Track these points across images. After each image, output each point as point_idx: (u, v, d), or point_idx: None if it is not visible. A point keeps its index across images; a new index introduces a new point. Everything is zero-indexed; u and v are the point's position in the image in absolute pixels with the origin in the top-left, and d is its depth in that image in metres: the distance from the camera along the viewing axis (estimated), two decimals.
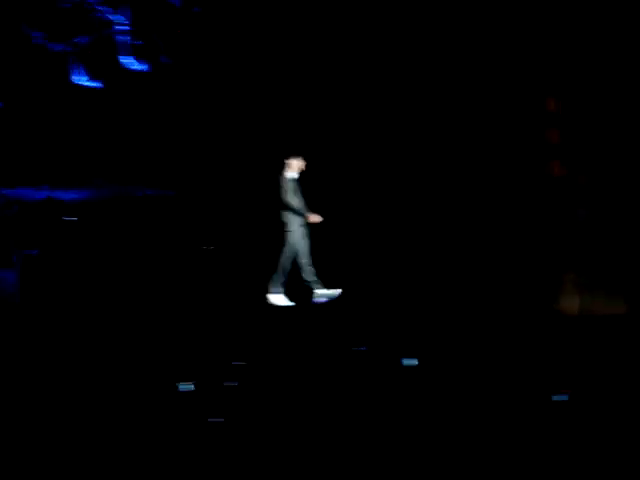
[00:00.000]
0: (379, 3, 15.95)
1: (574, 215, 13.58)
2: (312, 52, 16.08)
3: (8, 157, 15.98)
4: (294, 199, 12.89)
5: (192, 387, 9.69)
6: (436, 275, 13.91)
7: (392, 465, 7.95)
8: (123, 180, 16.31)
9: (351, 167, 15.54)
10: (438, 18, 15.38)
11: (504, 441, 8.28)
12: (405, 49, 15.64)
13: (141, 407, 9.26)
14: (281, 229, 12.97)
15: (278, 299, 12.86)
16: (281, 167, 13.03)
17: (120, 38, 16.46)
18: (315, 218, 12.87)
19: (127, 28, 16.45)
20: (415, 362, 10.34)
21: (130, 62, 16.48)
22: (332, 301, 12.89)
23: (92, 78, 16.83)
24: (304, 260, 12.90)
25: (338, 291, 12.92)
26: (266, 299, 12.91)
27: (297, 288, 12.94)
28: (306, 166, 13.03)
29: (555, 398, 9.16)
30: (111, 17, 16.36)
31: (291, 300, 12.89)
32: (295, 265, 12.89)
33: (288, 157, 12.99)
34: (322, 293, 12.91)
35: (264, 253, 13.78)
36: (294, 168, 12.99)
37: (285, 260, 12.87)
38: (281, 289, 12.90)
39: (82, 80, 16.85)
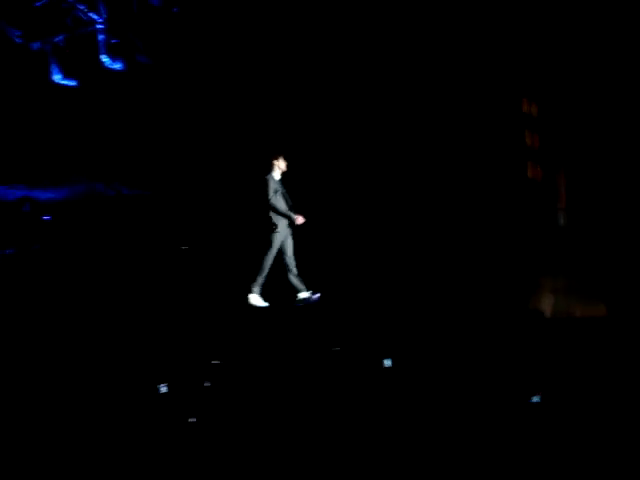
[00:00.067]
0: (356, 9, 15.97)
1: (553, 219, 13.63)
2: (295, 51, 16.07)
3: None
4: (278, 200, 12.85)
5: (169, 389, 9.64)
6: (415, 276, 13.91)
7: (369, 465, 7.95)
8: (100, 178, 16.26)
9: (332, 169, 15.54)
10: (418, 22, 15.40)
11: (481, 442, 8.29)
12: (387, 52, 15.65)
13: (119, 408, 9.22)
14: (264, 229, 12.93)
15: (256, 299, 12.83)
16: (264, 167, 13.00)
17: (99, 37, 16.39)
18: (299, 219, 12.84)
19: (106, 27, 16.38)
20: (390, 363, 10.34)
21: (109, 61, 16.42)
22: (314, 302, 12.87)
23: (67, 76, 16.76)
24: (289, 261, 12.87)
25: (317, 295, 12.89)
26: (246, 299, 12.87)
27: (280, 289, 12.91)
28: (289, 166, 13.00)
29: (532, 400, 9.19)
30: (90, 15, 16.29)
31: (272, 301, 12.86)
32: (276, 266, 12.86)
33: (272, 157, 12.96)
34: (304, 296, 12.88)
35: (245, 253, 13.75)
36: (278, 168, 12.95)
37: (268, 261, 12.82)
38: (259, 290, 12.87)
39: (57, 78, 16.78)
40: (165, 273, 14.18)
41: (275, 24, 16.11)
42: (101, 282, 13.76)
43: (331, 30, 15.90)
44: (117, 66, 16.54)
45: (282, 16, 16.07)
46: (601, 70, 13.80)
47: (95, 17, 16.38)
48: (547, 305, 12.96)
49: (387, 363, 10.34)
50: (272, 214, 12.82)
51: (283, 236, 12.85)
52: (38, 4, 16.29)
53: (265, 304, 12.82)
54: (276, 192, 12.85)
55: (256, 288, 12.83)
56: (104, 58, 16.48)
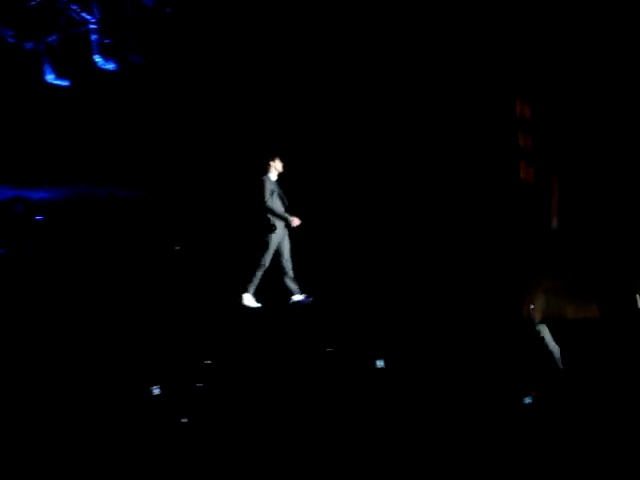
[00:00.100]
0: (347, 9, 15.97)
1: (546, 222, 13.65)
2: (291, 50, 16.06)
3: None
4: (275, 201, 12.79)
5: (161, 390, 9.62)
6: (408, 278, 13.90)
7: (363, 464, 7.96)
8: (92, 179, 16.24)
9: (326, 169, 15.53)
10: (411, 25, 15.40)
11: (473, 443, 8.30)
12: (380, 54, 15.65)
13: (111, 408, 9.20)
14: (260, 231, 12.88)
15: (249, 300, 12.79)
16: (261, 168, 12.95)
17: (92, 37, 16.38)
18: (295, 221, 12.79)
19: (99, 27, 16.37)
20: (382, 363, 10.34)
21: (102, 61, 16.40)
22: (308, 304, 12.84)
23: (60, 76, 16.74)
24: (285, 264, 12.82)
25: (311, 299, 12.84)
26: (240, 299, 12.82)
27: (273, 290, 12.88)
28: (285, 167, 12.96)
29: (524, 401, 9.20)
30: (83, 15, 16.27)
31: (265, 302, 12.83)
32: (271, 267, 12.83)
33: (269, 158, 12.91)
34: (297, 298, 12.84)
35: (240, 254, 13.73)
36: (275, 169, 12.90)
37: (264, 262, 12.76)
38: (253, 290, 12.84)
39: (50, 78, 16.76)
40: (158, 273, 14.15)
41: (269, 24, 16.09)
42: (93, 283, 13.73)
43: (325, 30, 15.89)
44: (110, 66, 16.52)
45: (277, 16, 16.06)
46: (594, 71, 13.82)
47: (88, 17, 16.36)
48: (539, 306, 12.96)
49: (380, 364, 10.34)
50: (269, 215, 12.77)
51: (280, 237, 12.81)
52: (32, 4, 16.27)
53: (257, 305, 12.80)
54: (272, 193, 12.80)
55: (250, 289, 12.80)
56: (97, 58, 16.46)
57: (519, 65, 14.40)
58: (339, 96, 15.84)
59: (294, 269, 12.85)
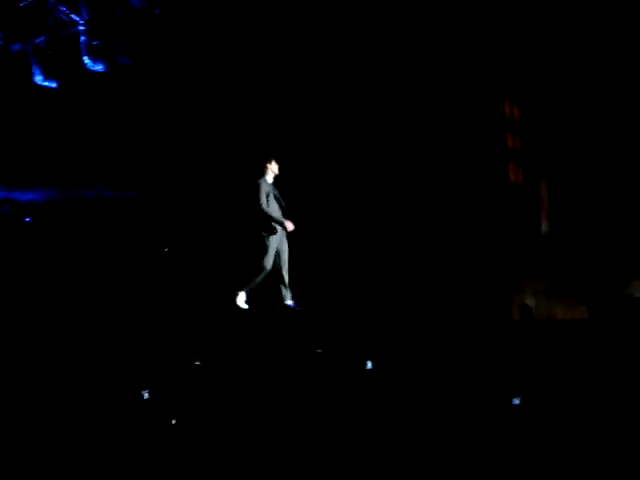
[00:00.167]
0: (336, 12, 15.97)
1: (535, 224, 13.67)
2: (283, 51, 16.05)
3: None
4: (271, 204, 12.74)
5: (151, 392, 9.59)
6: (398, 279, 13.91)
7: (353, 466, 7.96)
8: (81, 181, 16.21)
9: (311, 170, 15.52)
10: (400, 26, 15.40)
11: (463, 444, 8.30)
12: (368, 56, 15.65)
13: (99, 410, 9.19)
14: (258, 233, 12.82)
15: (242, 301, 12.75)
16: (256, 170, 12.90)
17: (81, 38, 16.34)
18: (289, 226, 12.75)
19: (88, 28, 16.33)
20: (370, 365, 10.34)
21: (91, 62, 16.37)
22: (295, 310, 12.82)
23: (48, 77, 16.70)
24: (282, 266, 12.79)
25: (298, 307, 12.81)
26: (233, 298, 12.77)
27: (264, 291, 12.88)
28: (280, 170, 12.91)
29: (513, 402, 9.21)
30: (72, 17, 16.24)
31: (255, 302, 12.82)
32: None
33: (265, 160, 12.86)
34: (288, 303, 12.81)
35: (233, 256, 13.72)
36: (271, 172, 12.86)
37: (265, 265, 12.70)
38: (247, 292, 12.80)
39: (39, 79, 16.73)
40: (147, 275, 14.14)
41: (262, 24, 16.08)
42: (83, 284, 13.71)
43: (317, 31, 15.89)
44: (99, 67, 16.49)
45: (269, 16, 16.05)
46: (583, 72, 13.85)
47: (77, 18, 16.33)
48: (528, 307, 12.99)
49: (369, 365, 10.34)
50: (264, 218, 12.70)
51: (278, 240, 12.76)
52: (20, 5, 16.23)
53: (246, 306, 12.78)
54: (268, 196, 12.75)
55: (247, 289, 12.74)
56: (86, 60, 16.43)
57: (508, 66, 14.42)
58: (328, 95, 15.83)
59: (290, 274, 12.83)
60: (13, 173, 16.17)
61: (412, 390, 9.59)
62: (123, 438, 8.60)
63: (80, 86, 16.66)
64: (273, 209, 12.77)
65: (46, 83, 16.63)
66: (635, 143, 13.95)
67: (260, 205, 12.70)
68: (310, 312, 12.63)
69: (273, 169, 12.89)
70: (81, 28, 16.44)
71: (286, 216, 12.83)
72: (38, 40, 16.46)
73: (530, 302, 12.95)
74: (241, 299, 12.74)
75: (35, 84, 16.57)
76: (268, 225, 12.70)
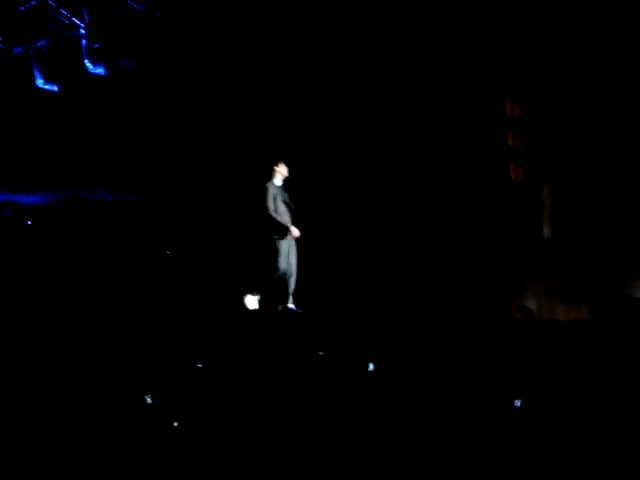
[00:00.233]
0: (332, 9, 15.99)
1: (537, 225, 13.66)
2: (282, 54, 16.06)
3: None
4: (278, 207, 12.70)
5: (153, 394, 9.60)
6: (399, 281, 13.90)
7: (354, 468, 7.96)
8: (83, 184, 16.22)
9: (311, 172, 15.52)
10: (401, 26, 15.41)
11: (465, 446, 8.30)
12: (369, 55, 15.65)
13: (101, 413, 9.19)
14: (268, 236, 12.78)
15: (252, 302, 12.71)
16: (264, 173, 12.86)
17: (82, 42, 16.36)
18: (295, 232, 12.69)
19: (89, 32, 16.34)
20: (372, 367, 10.35)
21: (92, 66, 16.38)
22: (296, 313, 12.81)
23: (50, 81, 16.71)
24: (289, 268, 12.76)
25: (300, 310, 12.80)
26: (244, 297, 12.73)
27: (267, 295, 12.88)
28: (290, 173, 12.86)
29: (514, 404, 9.21)
30: (73, 20, 16.25)
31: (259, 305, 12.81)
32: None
33: (273, 163, 12.80)
34: (289, 306, 12.79)
35: (235, 259, 13.73)
36: (280, 174, 12.80)
37: (280, 267, 12.67)
38: (260, 295, 12.76)
39: (39, 83, 16.74)
40: (149, 278, 14.14)
41: (264, 26, 16.09)
42: (85, 287, 13.71)
43: (319, 36, 15.90)
44: (100, 71, 16.50)
45: (271, 18, 16.06)
46: (585, 71, 13.85)
47: (78, 22, 16.34)
48: (529, 309, 12.98)
49: (371, 367, 10.35)
50: (272, 222, 12.64)
51: (288, 242, 12.71)
52: (21, 9, 16.24)
53: (256, 308, 12.73)
54: (275, 199, 12.69)
55: (260, 291, 12.68)
56: (87, 63, 16.44)
57: (509, 65, 14.42)
58: (332, 95, 15.82)
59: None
60: (15, 176, 16.19)
61: (414, 392, 9.60)
62: (125, 440, 8.61)
63: (81, 89, 16.68)
64: (280, 212, 12.70)
65: (47, 86, 16.64)
66: (636, 144, 13.95)
67: (266, 209, 12.64)
68: (312, 315, 12.63)
69: (282, 172, 12.82)
70: (82, 31, 16.45)
71: (294, 219, 12.78)
72: (39, 43, 16.47)
73: (531, 303, 12.95)
74: (251, 300, 12.70)
75: (36, 87, 16.58)
76: (278, 227, 12.65)
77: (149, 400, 9.49)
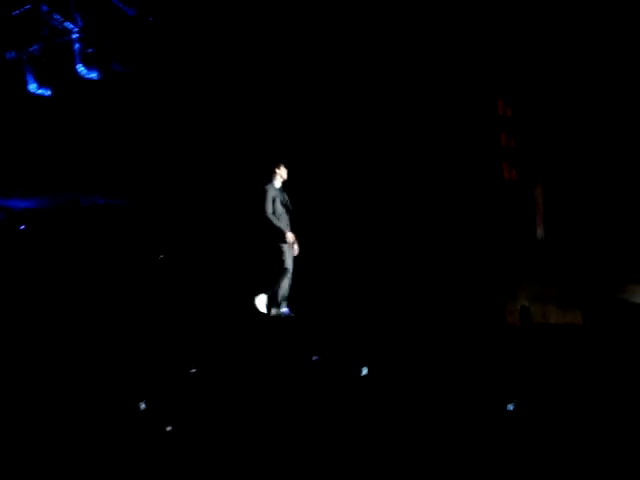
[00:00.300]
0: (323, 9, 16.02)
1: (530, 226, 13.66)
2: (274, 56, 16.07)
3: None
4: (277, 209, 12.68)
5: (147, 401, 9.58)
6: (392, 284, 13.89)
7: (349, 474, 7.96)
8: (76, 188, 16.22)
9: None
10: (394, 26, 15.43)
11: (458, 450, 8.31)
12: (363, 55, 15.67)
13: (93, 419, 9.18)
14: (271, 239, 12.75)
15: (262, 302, 12.67)
16: (263, 176, 12.83)
17: (75, 46, 16.37)
18: (290, 238, 12.66)
19: (82, 36, 16.36)
20: (365, 371, 10.35)
21: (85, 70, 16.39)
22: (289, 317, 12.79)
23: (43, 86, 16.72)
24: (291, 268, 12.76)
25: (293, 314, 12.77)
26: (255, 297, 12.71)
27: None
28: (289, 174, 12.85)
29: (507, 408, 9.22)
30: (65, 25, 16.26)
31: (247, 310, 12.80)
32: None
33: (274, 165, 12.77)
34: (282, 310, 12.78)
35: (227, 264, 13.72)
36: (280, 177, 12.79)
37: (287, 266, 12.65)
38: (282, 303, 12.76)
39: (33, 88, 16.74)
40: (142, 282, 14.12)
41: (258, 29, 16.11)
42: (78, 291, 13.69)
43: (314, 39, 15.93)
44: (93, 75, 16.51)
45: (265, 21, 16.07)
46: (578, 72, 13.87)
47: (71, 26, 16.35)
48: (523, 312, 12.98)
49: (364, 371, 10.35)
50: (268, 225, 12.61)
51: (288, 244, 12.68)
52: (14, 13, 16.25)
53: (264, 311, 12.71)
54: (274, 201, 12.68)
55: (269, 293, 12.64)
56: (80, 67, 16.45)
57: (502, 65, 14.44)
58: (323, 95, 15.84)
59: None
60: (7, 181, 16.18)
61: (407, 396, 9.60)
62: (118, 444, 8.60)
63: (74, 94, 16.68)
64: (279, 215, 12.68)
65: (40, 91, 16.65)
66: (631, 145, 13.97)
67: (264, 212, 12.62)
68: (305, 319, 12.62)
69: (282, 174, 12.81)
70: (75, 36, 16.46)
71: (292, 221, 12.78)
72: (32, 48, 16.48)
73: (524, 307, 12.95)
74: (260, 301, 12.68)
75: (29, 92, 16.59)
76: (274, 231, 12.62)
77: (143, 406, 9.48)
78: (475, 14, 14.59)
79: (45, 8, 16.32)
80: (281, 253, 12.63)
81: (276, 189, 12.75)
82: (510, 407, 9.17)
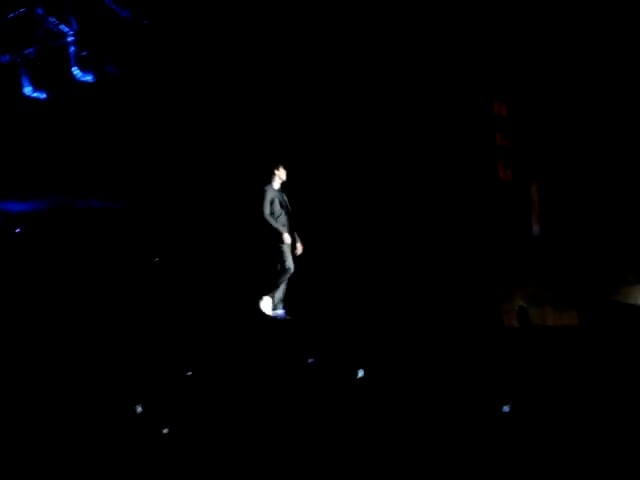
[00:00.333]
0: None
1: (526, 226, 13.67)
2: (268, 59, 16.08)
3: None
4: (274, 210, 12.68)
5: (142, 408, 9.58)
6: (383, 285, 13.88)
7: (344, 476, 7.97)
8: (72, 191, 16.21)
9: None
10: (389, 27, 15.46)
11: (453, 452, 8.32)
12: (357, 55, 15.69)
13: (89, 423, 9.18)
14: (270, 240, 12.74)
15: (267, 305, 12.67)
16: (263, 177, 12.83)
17: (70, 49, 16.37)
18: (287, 239, 12.66)
19: (77, 39, 16.36)
20: (362, 373, 10.35)
21: (80, 73, 16.39)
22: (285, 319, 12.79)
23: (38, 89, 16.72)
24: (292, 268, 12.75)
25: (289, 317, 12.77)
26: (259, 301, 12.71)
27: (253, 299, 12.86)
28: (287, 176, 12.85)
29: (503, 410, 9.23)
30: (61, 28, 16.26)
31: (244, 311, 12.79)
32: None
33: (273, 166, 12.77)
34: (278, 311, 12.77)
35: (226, 266, 13.72)
36: (279, 178, 12.79)
37: (288, 265, 12.64)
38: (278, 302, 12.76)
39: (28, 91, 16.74)
40: (138, 285, 14.11)
41: (251, 31, 16.12)
42: (73, 294, 13.68)
43: (307, 43, 15.96)
44: (88, 78, 16.51)
45: (258, 24, 16.09)
46: (572, 72, 13.90)
47: (66, 29, 16.35)
48: (519, 313, 13.00)
49: (360, 374, 10.35)
50: (266, 227, 12.61)
51: (287, 245, 12.67)
52: (9, 16, 16.25)
53: (271, 313, 12.70)
54: (273, 202, 12.68)
55: (272, 293, 12.64)
56: (75, 70, 16.45)
57: (497, 66, 14.47)
58: (314, 95, 15.85)
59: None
60: (2, 185, 16.17)
61: (403, 398, 9.60)
62: (114, 447, 8.60)
63: (69, 97, 16.68)
64: (277, 216, 12.68)
65: (36, 94, 16.65)
66: (625, 146, 14.00)
67: (262, 213, 12.62)
68: (301, 321, 12.62)
69: (281, 175, 12.81)
70: (70, 39, 16.45)
71: (293, 222, 12.78)
72: (27, 51, 16.48)
73: (520, 308, 12.97)
74: (265, 304, 12.68)
75: (24, 95, 16.59)
76: (272, 232, 12.62)
77: (139, 409, 9.47)
78: (470, 14, 14.63)
79: (40, 11, 16.32)
80: (281, 254, 12.64)
81: (275, 190, 12.76)
82: (506, 409, 9.18)
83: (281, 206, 12.73)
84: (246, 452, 8.46)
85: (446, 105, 14.89)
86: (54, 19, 16.45)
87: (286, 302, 12.84)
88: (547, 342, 11.54)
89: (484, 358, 10.85)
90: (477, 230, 14.13)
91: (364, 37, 15.59)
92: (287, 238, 12.64)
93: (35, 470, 8.17)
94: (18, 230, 15.19)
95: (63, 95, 16.67)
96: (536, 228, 13.89)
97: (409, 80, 15.24)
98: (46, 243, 14.89)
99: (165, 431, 8.89)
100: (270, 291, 12.66)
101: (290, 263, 12.65)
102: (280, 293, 12.71)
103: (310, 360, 10.89)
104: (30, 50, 16.49)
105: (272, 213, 12.68)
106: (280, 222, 12.69)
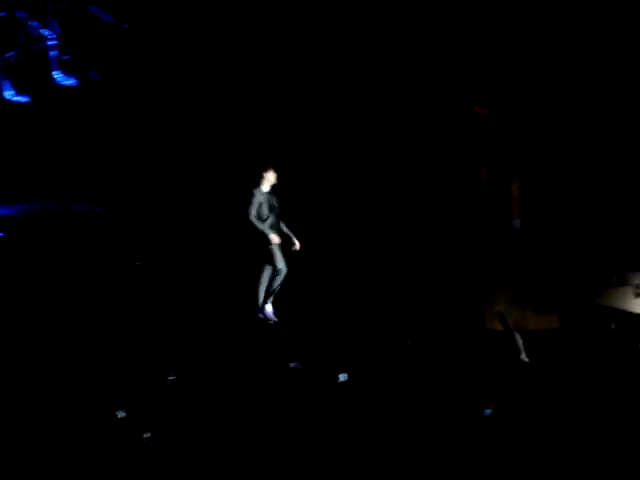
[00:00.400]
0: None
1: (507, 225, 13.69)
2: (256, 62, 16.10)
3: None
4: (264, 213, 12.67)
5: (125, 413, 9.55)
6: (364, 287, 13.86)
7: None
8: (53, 195, 16.18)
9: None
10: (373, 31, 15.49)
11: (435, 456, 8.33)
12: (343, 59, 15.71)
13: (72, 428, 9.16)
14: (260, 243, 12.73)
15: (269, 311, 12.68)
16: (253, 180, 12.81)
17: (51, 53, 16.34)
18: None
19: (58, 43, 16.33)
20: (346, 377, 10.35)
21: (61, 77, 16.36)
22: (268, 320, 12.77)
23: (19, 93, 16.68)
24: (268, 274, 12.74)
25: (276, 319, 12.76)
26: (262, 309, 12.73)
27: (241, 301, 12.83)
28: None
29: (484, 413, 9.25)
30: (42, 32, 16.23)
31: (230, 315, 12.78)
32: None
33: (262, 169, 12.76)
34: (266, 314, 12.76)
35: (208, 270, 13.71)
36: (268, 181, 12.78)
37: (280, 266, 12.63)
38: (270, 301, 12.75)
39: (9, 95, 16.70)
40: (120, 289, 14.07)
41: (238, 35, 16.12)
42: (56, 299, 13.64)
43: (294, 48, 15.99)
44: (69, 82, 16.48)
45: (245, 27, 16.09)
46: (552, 73, 13.96)
47: (47, 33, 16.32)
48: (500, 317, 13.00)
49: (342, 377, 10.35)
50: (255, 229, 12.60)
51: (277, 246, 12.66)
52: None
53: (275, 319, 12.70)
54: (261, 205, 12.67)
55: (270, 299, 12.64)
56: (56, 74, 16.41)
57: (480, 68, 14.52)
58: (300, 97, 15.86)
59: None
60: None
61: (386, 401, 9.61)
62: (96, 451, 8.59)
63: (51, 101, 16.64)
64: (264, 219, 12.67)
65: (17, 98, 16.60)
66: (606, 145, 14.07)
67: (248, 215, 12.62)
68: (285, 325, 12.61)
69: (270, 178, 12.81)
70: (51, 43, 16.42)
71: (279, 223, 12.77)
72: (8, 55, 16.43)
73: (501, 312, 12.97)
74: (269, 310, 12.67)
75: (5, 99, 16.55)
76: (258, 235, 12.62)
77: (121, 414, 9.45)
78: (451, 19, 14.70)
79: (22, 15, 16.27)
80: (271, 256, 12.65)
81: (264, 193, 12.75)
82: (488, 412, 9.20)
83: (271, 209, 12.73)
84: (226, 456, 8.45)
85: (429, 106, 14.94)
86: (36, 23, 16.41)
87: (275, 304, 12.85)
88: (529, 345, 11.56)
89: (467, 361, 10.87)
90: (459, 230, 14.14)
91: (350, 42, 15.63)
92: (275, 239, 12.62)
93: (16, 474, 8.15)
94: (1, 234, 15.16)
95: (45, 99, 16.63)
96: (517, 222, 13.88)
97: (393, 83, 15.28)
98: (31, 248, 14.86)
99: (147, 435, 8.88)
100: (268, 298, 12.68)
101: (282, 264, 12.64)
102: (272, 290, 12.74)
103: (293, 365, 10.88)
104: (11, 54, 16.44)
105: (259, 216, 12.68)
106: (267, 224, 12.69)
